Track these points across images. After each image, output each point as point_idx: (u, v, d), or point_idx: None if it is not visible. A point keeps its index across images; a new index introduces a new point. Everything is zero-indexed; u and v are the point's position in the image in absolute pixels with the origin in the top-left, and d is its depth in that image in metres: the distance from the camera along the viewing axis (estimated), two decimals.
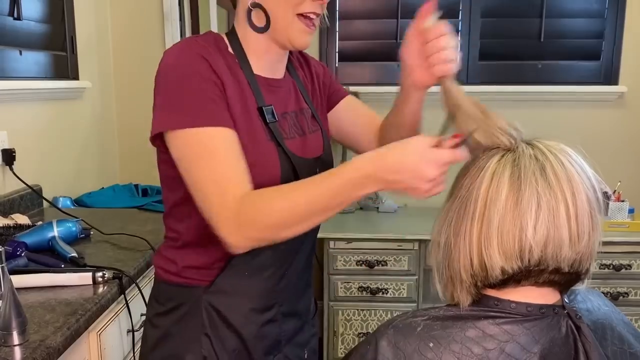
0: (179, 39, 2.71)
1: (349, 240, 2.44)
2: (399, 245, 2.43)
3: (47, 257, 1.49)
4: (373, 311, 2.48)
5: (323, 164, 1.12)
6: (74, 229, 1.67)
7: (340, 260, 2.45)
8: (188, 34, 2.89)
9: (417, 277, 2.46)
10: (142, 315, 1.54)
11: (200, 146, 0.96)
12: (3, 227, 1.66)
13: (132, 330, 1.47)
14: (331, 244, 2.44)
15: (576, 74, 2.84)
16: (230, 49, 1.07)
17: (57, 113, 2.31)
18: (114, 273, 1.38)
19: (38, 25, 2.19)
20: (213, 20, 2.70)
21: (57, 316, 1.17)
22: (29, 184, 1.98)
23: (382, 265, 2.44)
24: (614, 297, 2.41)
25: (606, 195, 2.46)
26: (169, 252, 1.12)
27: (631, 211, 2.51)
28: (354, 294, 2.47)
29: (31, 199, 2.04)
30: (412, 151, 0.85)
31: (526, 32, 2.81)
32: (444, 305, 0.88)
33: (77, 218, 1.74)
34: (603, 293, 2.22)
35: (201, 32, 3.15)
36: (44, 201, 2.08)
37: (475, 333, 0.81)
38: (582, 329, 0.81)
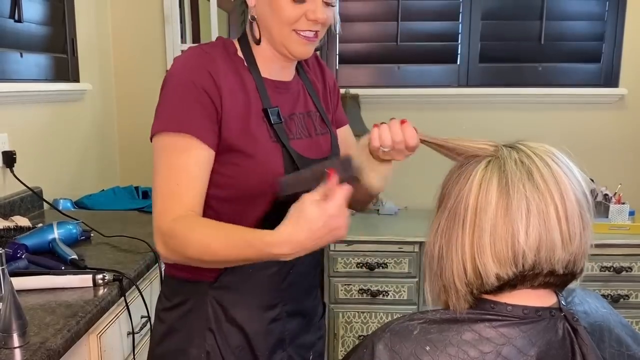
0: (179, 42, 2.73)
1: (349, 243, 2.44)
2: (399, 248, 2.43)
3: (47, 259, 1.50)
4: (373, 313, 2.48)
5: None
6: (74, 231, 1.67)
7: (341, 263, 2.45)
8: (188, 36, 2.90)
9: (417, 279, 2.45)
10: (142, 317, 1.54)
11: (168, 154, 1.01)
12: (3, 229, 1.66)
13: (132, 333, 1.47)
14: (331, 246, 2.44)
15: (576, 77, 2.84)
16: (239, 53, 1.10)
17: (58, 115, 2.31)
18: (114, 275, 1.39)
19: (39, 27, 2.19)
20: (213, 22, 2.70)
21: (57, 318, 1.18)
22: (29, 186, 1.98)
23: (383, 267, 2.44)
24: (615, 300, 2.41)
25: (607, 198, 2.46)
26: None
27: (632, 213, 2.50)
28: (355, 296, 2.47)
29: (32, 201, 2.05)
30: (314, 218, 0.87)
31: (526, 35, 2.81)
32: (440, 308, 0.88)
33: (77, 220, 1.74)
34: (603, 296, 2.21)
35: (201, 34, 3.15)
36: (45, 203, 2.09)
37: (472, 336, 0.81)
38: (579, 331, 0.81)
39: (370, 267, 2.44)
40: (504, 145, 0.85)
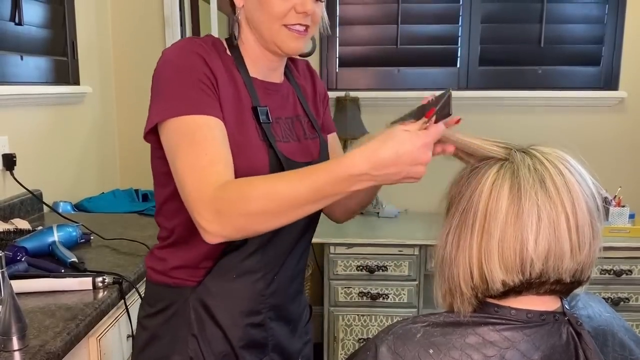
0: None
1: (350, 246, 2.44)
2: (399, 251, 2.43)
3: (47, 262, 1.49)
4: (373, 316, 2.48)
5: None
6: (74, 233, 1.67)
7: (341, 266, 2.45)
8: None
9: (417, 282, 2.45)
10: None
11: (186, 134, 0.96)
12: (3, 232, 1.66)
13: (132, 336, 1.47)
14: (331, 249, 2.44)
15: (576, 80, 2.84)
16: (228, 52, 1.09)
17: (58, 118, 2.31)
18: (114, 278, 1.38)
19: (39, 30, 2.19)
20: (214, 25, 2.70)
21: (57, 321, 1.17)
22: (29, 188, 1.98)
23: (383, 270, 2.44)
24: (615, 303, 2.41)
25: (607, 201, 2.46)
26: (159, 251, 1.13)
27: (632, 216, 2.51)
28: (354, 299, 2.47)
29: (31, 204, 2.04)
30: (403, 141, 0.84)
31: (526, 38, 2.82)
32: (444, 311, 0.88)
33: (77, 223, 1.74)
34: (604, 299, 2.21)
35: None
36: (44, 206, 2.08)
37: (475, 340, 0.81)
38: (583, 335, 0.81)
39: (370, 270, 2.44)
40: (517, 149, 0.84)
